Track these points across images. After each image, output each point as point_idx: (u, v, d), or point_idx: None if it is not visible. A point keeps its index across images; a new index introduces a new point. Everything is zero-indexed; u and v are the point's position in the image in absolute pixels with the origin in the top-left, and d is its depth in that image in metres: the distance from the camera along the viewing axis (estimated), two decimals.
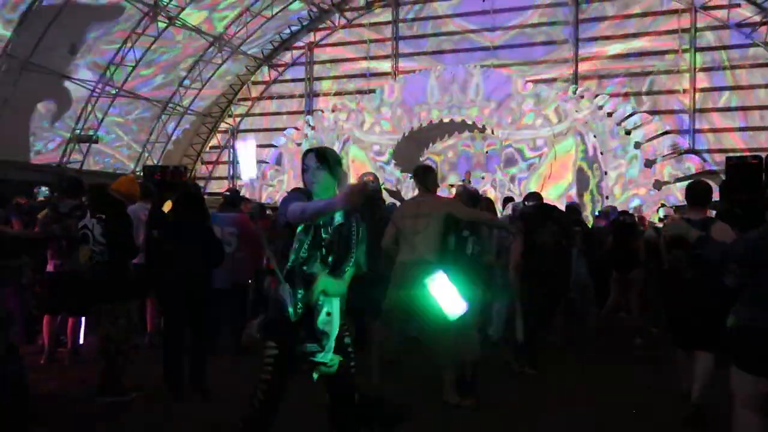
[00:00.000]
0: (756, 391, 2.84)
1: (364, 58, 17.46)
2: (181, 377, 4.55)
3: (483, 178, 14.45)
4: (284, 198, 3.13)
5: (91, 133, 15.21)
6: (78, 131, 15.06)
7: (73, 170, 14.35)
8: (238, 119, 19.09)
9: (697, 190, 4.43)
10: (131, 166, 16.96)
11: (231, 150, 19.10)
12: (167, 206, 6.39)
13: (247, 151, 9.55)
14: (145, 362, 5.08)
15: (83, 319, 5.73)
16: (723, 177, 11.65)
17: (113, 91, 15.23)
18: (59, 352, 5.65)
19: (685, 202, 4.64)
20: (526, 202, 6.11)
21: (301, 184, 3.22)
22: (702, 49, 14.40)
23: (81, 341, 5.79)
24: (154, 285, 5.30)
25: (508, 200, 8.30)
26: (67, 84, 14.38)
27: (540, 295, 5.42)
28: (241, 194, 8.28)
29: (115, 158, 16.85)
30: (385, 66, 17.31)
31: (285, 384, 2.82)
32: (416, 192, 4.97)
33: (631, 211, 9.88)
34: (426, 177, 4.74)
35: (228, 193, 6.57)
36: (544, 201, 6.36)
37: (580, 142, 13.78)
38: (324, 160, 2.89)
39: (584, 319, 7.10)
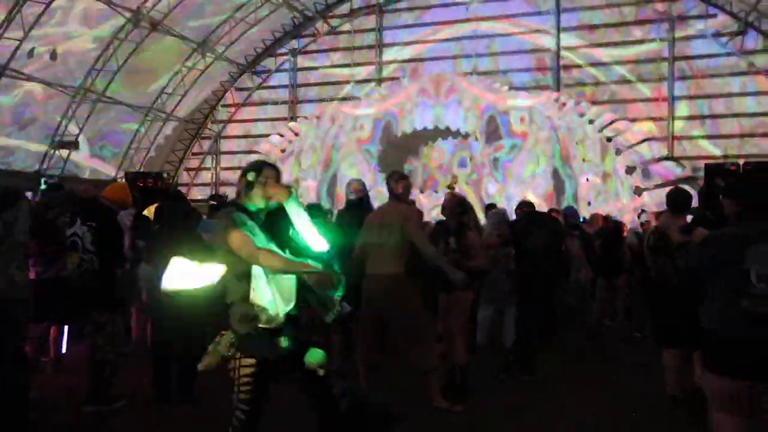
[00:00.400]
0: (727, 392, 2.91)
1: (348, 65, 17.51)
2: (170, 384, 4.51)
3: (466, 184, 14.55)
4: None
5: (71, 139, 15.03)
6: (58, 137, 14.88)
7: (54, 176, 14.16)
8: (221, 125, 19.01)
9: (678, 198, 4.59)
10: (112, 172, 16.78)
11: (214, 156, 19.00)
12: (149, 212, 6.36)
13: None
14: (132, 370, 5.03)
15: (66, 328, 5.66)
16: (701, 183, 11.89)
17: (94, 97, 15.07)
18: (41, 362, 5.57)
19: (662, 208, 4.82)
20: (518, 211, 6.34)
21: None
22: (680, 58, 14.69)
23: (63, 350, 5.71)
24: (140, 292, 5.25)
25: (490, 207, 8.31)
26: (48, 90, 14.20)
27: (534, 300, 5.47)
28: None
29: (95, 165, 16.66)
30: (370, 73, 17.38)
31: (266, 400, 2.82)
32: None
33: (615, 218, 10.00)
34: (396, 184, 4.61)
35: (213, 201, 6.52)
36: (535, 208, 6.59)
37: (557, 145, 14.00)
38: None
39: (583, 324, 7.15)
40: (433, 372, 4.45)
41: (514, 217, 6.39)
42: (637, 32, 15.14)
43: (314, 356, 2.81)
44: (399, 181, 4.63)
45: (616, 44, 15.19)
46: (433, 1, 16.79)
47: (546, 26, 15.70)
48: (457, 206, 5.11)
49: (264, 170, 2.93)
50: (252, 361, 2.73)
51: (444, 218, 5.28)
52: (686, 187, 12.70)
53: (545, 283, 5.57)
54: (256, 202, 2.88)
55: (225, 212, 2.86)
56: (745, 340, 2.82)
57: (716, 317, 2.95)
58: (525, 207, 6.41)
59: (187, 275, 3.87)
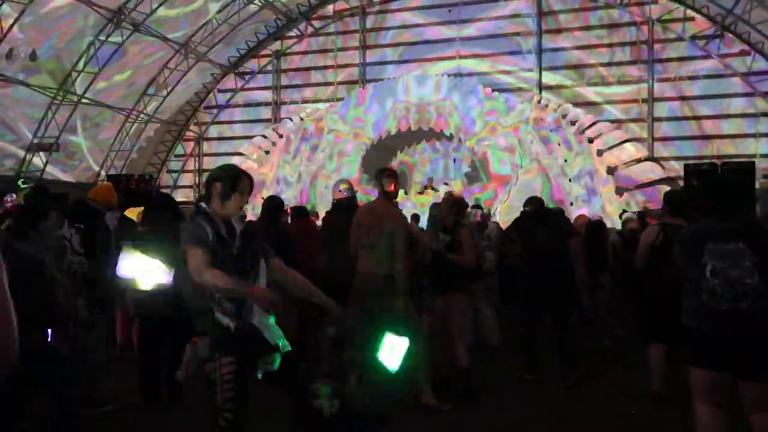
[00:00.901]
0: (704, 382, 3.00)
1: (332, 67, 17.52)
2: (158, 388, 4.49)
3: (447, 184, 14.63)
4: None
5: (51, 141, 14.84)
6: (38, 139, 14.68)
7: (34, 179, 13.97)
8: (203, 127, 18.90)
9: (675, 198, 4.78)
10: (93, 175, 16.59)
11: (196, 158, 18.87)
12: (131, 213, 6.31)
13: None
14: (119, 373, 4.99)
15: (49, 331, 5.59)
16: (681, 183, 12.10)
17: (75, 98, 14.90)
18: None
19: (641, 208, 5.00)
20: (526, 208, 5.84)
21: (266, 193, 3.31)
22: (659, 60, 14.94)
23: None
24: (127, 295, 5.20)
25: (475, 207, 8.35)
26: (27, 91, 14.01)
27: (538, 298, 5.31)
28: None
29: (76, 166, 16.46)
30: (353, 74, 17.40)
31: (248, 397, 2.84)
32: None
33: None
34: (388, 181, 4.58)
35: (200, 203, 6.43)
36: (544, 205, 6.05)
37: (544, 150, 14.13)
38: None
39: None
40: (423, 373, 4.47)
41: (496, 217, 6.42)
42: (618, 34, 15.36)
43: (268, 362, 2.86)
44: (390, 179, 4.60)
45: (596, 46, 15.39)
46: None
47: (528, 27, 15.87)
48: (453, 205, 5.14)
49: (241, 181, 2.87)
50: (232, 359, 2.75)
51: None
52: (667, 187, 13.00)
53: (552, 284, 5.26)
54: (228, 211, 2.84)
55: (192, 225, 2.83)
56: (709, 332, 2.95)
57: (687, 312, 3.08)
58: (533, 203, 5.88)
59: (137, 270, 3.92)
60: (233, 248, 2.81)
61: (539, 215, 5.59)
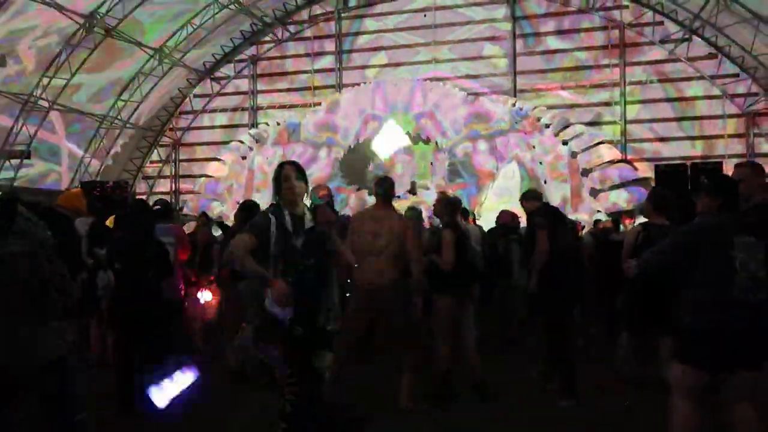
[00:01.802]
0: (692, 383, 3.06)
1: (308, 71, 17.52)
2: (133, 395, 4.45)
3: (428, 188, 14.72)
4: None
5: (22, 148, 14.59)
6: (9, 146, 14.43)
7: (6, 187, 13.72)
8: (179, 133, 18.74)
9: (658, 198, 4.82)
10: (66, 182, 16.35)
11: (173, 164, 18.70)
12: (111, 221, 6.27)
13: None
14: (93, 381, 4.93)
15: None
16: (653, 184, 12.33)
17: (46, 105, 14.68)
18: None
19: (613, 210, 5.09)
20: (523, 202, 5.52)
21: (246, 196, 3.43)
22: (631, 64, 15.23)
23: None
24: (100, 302, 5.16)
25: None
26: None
27: (565, 304, 5.04)
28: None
29: (48, 174, 16.21)
30: (329, 79, 17.42)
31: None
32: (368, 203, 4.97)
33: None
34: (389, 188, 4.64)
35: (159, 206, 6.40)
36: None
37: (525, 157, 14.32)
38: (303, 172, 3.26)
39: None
40: (412, 372, 4.50)
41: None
42: (591, 38, 15.62)
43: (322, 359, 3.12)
44: (390, 185, 4.69)
45: (570, 50, 15.64)
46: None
47: (502, 32, 16.07)
48: (446, 204, 5.18)
49: (282, 170, 3.21)
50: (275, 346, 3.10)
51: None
52: (639, 188, 13.23)
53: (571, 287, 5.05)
54: (286, 200, 3.16)
55: (260, 214, 3.23)
56: (732, 331, 2.94)
57: (702, 309, 3.04)
58: (533, 197, 5.49)
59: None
60: (295, 240, 3.07)
61: (555, 214, 5.27)
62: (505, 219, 8.51)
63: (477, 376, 4.94)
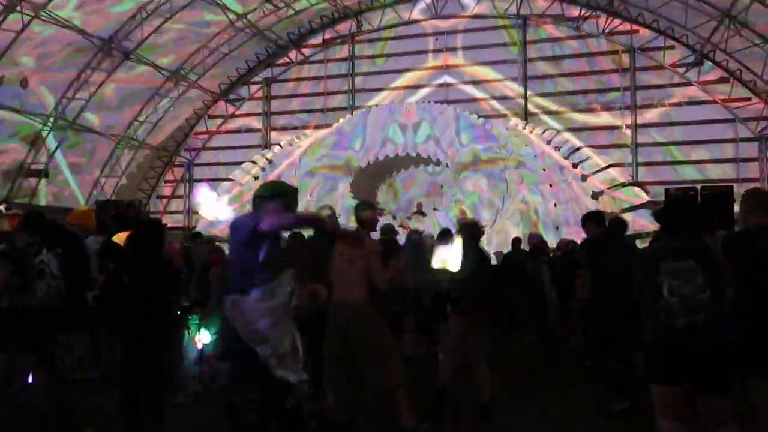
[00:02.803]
0: (664, 398, 3.10)
1: (321, 94, 17.77)
2: (138, 411, 4.50)
3: (436, 209, 14.75)
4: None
5: (41, 167, 14.91)
6: (28, 165, 14.75)
7: (22, 205, 14.00)
8: (193, 153, 19.02)
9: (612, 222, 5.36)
10: (82, 201, 16.63)
11: (186, 184, 18.95)
12: (119, 238, 6.37)
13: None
14: (101, 395, 5.00)
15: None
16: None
17: (65, 125, 15.02)
18: (10, 391, 5.48)
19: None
20: (588, 224, 5.36)
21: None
22: (641, 87, 15.29)
23: (30, 379, 5.64)
24: (110, 317, 5.24)
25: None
26: (18, 117, 14.12)
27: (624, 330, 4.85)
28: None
29: (65, 193, 16.51)
30: (343, 101, 17.65)
31: None
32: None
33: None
34: (361, 213, 4.69)
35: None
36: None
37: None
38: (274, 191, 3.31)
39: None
40: (398, 390, 4.51)
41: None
42: (601, 62, 15.72)
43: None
44: (364, 211, 4.74)
45: (580, 74, 15.74)
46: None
47: (513, 55, 16.23)
48: (470, 228, 5.26)
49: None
50: None
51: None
52: (649, 212, 13.15)
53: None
54: None
55: None
56: (668, 349, 3.05)
57: (648, 330, 3.19)
58: (597, 220, 5.33)
59: None
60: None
61: (609, 232, 5.13)
62: (535, 242, 8.84)
63: (483, 398, 4.94)
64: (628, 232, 6.13)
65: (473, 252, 4.95)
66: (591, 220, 5.39)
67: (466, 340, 4.93)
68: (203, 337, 4.53)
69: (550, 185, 14.15)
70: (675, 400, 3.07)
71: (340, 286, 4.49)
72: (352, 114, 16.98)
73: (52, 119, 14.69)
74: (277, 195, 3.60)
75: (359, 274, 4.44)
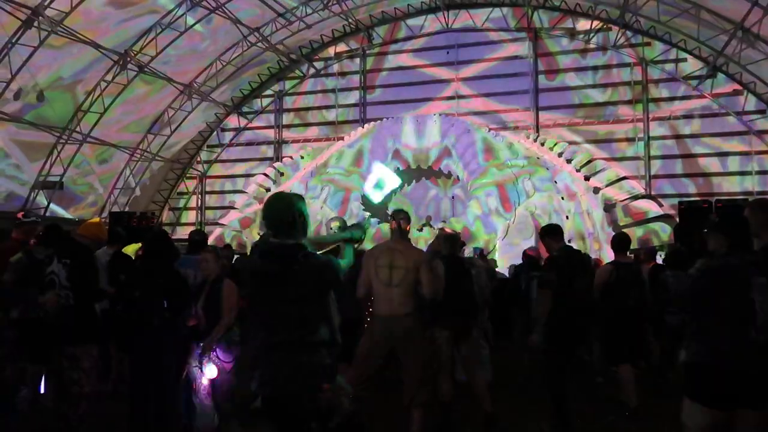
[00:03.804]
0: (704, 422, 3.01)
1: (333, 106, 17.87)
2: (147, 425, 4.49)
3: (445, 222, 14.72)
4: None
5: (56, 179, 15.07)
6: (43, 177, 14.92)
7: (36, 216, 14.13)
8: (206, 165, 19.17)
9: (622, 240, 5.62)
10: (97, 212, 16.78)
11: (199, 196, 19.09)
12: (130, 250, 6.39)
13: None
14: (109, 409, 5.01)
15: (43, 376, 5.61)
16: (678, 220, 12.16)
17: (80, 137, 15.21)
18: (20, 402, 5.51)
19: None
20: (546, 238, 5.27)
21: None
22: (654, 100, 15.21)
23: (42, 389, 5.66)
24: (119, 330, 5.26)
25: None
26: (33, 130, 14.30)
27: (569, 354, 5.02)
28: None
29: (79, 204, 16.67)
30: (354, 114, 17.73)
31: None
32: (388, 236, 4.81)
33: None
34: (406, 224, 4.66)
35: (196, 235, 6.33)
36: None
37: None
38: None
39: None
40: (422, 406, 4.47)
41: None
42: (613, 75, 15.68)
43: None
44: (408, 221, 4.71)
45: (592, 86, 15.70)
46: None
47: (525, 67, 16.23)
48: (445, 240, 5.25)
49: None
50: None
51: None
52: (662, 223, 13.05)
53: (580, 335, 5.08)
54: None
55: None
56: (743, 371, 2.91)
57: (710, 347, 3.01)
58: (553, 233, 5.19)
59: None
60: None
61: (573, 258, 5.07)
62: (531, 254, 8.59)
63: (486, 407, 4.90)
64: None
65: (453, 265, 4.95)
66: (549, 234, 5.20)
67: (451, 352, 4.91)
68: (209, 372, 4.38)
69: (562, 198, 14.08)
70: (712, 422, 2.98)
71: (387, 298, 4.39)
72: (363, 126, 17.05)
73: (66, 132, 14.87)
74: None
75: (409, 286, 4.39)
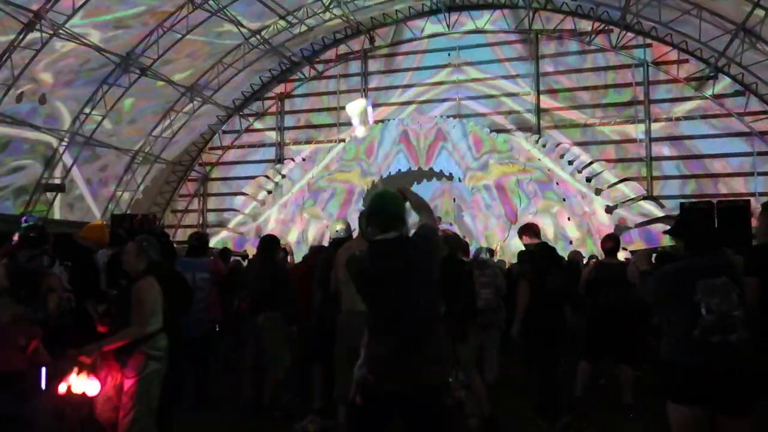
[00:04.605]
0: (681, 419, 3.02)
1: (335, 109, 17.88)
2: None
3: (451, 225, 14.69)
4: None
5: (58, 182, 15.11)
6: (45, 180, 14.96)
7: (40, 219, 14.16)
8: (208, 167, 19.20)
9: (606, 241, 5.89)
10: (98, 215, 16.81)
11: (201, 198, 19.11)
12: None
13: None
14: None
15: (43, 368, 5.61)
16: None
17: (82, 140, 15.24)
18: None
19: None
20: (523, 237, 5.47)
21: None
22: (656, 101, 15.20)
23: (43, 387, 5.65)
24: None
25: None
26: (35, 133, 14.34)
27: (550, 346, 5.13)
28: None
29: (81, 206, 16.69)
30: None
31: None
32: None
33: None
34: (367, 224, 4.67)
35: (195, 239, 6.28)
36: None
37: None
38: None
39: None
40: None
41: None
42: (615, 76, 15.67)
43: None
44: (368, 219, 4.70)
45: (594, 88, 15.70)
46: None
47: (526, 69, 16.24)
48: (451, 241, 5.24)
49: None
50: None
51: None
52: (663, 225, 13.01)
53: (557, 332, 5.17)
54: None
55: None
56: (698, 368, 2.95)
57: (673, 348, 3.08)
58: (530, 231, 5.41)
59: None
60: None
61: (550, 254, 5.26)
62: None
63: (484, 410, 4.89)
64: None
65: (451, 266, 4.86)
66: (525, 232, 5.43)
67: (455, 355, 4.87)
68: None
69: (564, 199, 14.07)
70: (695, 422, 2.99)
71: (351, 294, 4.30)
72: (364, 128, 17.01)
73: (69, 135, 14.90)
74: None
75: None
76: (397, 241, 2.76)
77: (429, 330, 2.71)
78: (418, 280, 2.69)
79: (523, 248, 5.57)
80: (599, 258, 10.13)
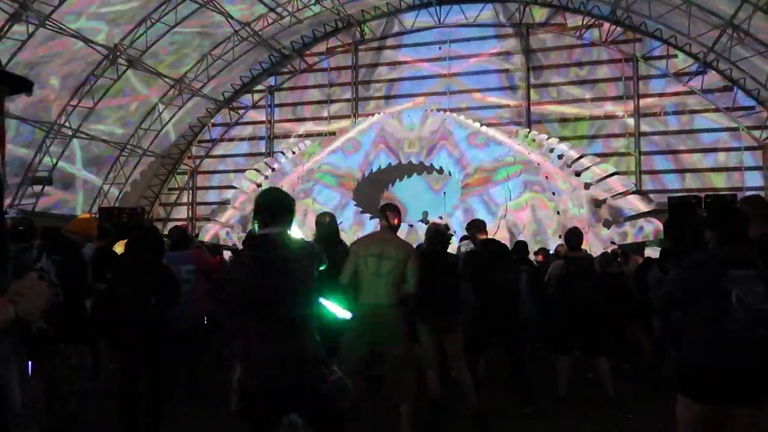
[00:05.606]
0: (696, 416, 3.02)
1: (325, 101, 17.82)
2: (137, 424, 4.47)
3: (441, 218, 14.70)
4: None
5: (45, 174, 14.96)
6: (32, 173, 14.81)
7: (26, 212, 14.03)
8: (197, 161, 19.08)
9: (571, 236, 5.94)
10: (86, 208, 16.68)
11: (190, 191, 19.00)
12: (119, 246, 6.33)
13: None
14: (101, 407, 4.98)
15: (30, 363, 5.57)
16: (666, 216, 12.23)
17: (70, 132, 15.09)
18: None
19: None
20: (469, 232, 5.78)
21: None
22: (645, 96, 15.28)
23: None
24: (107, 327, 5.21)
25: (465, 238, 8.36)
26: (23, 125, 14.19)
27: (480, 332, 5.43)
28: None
29: (70, 200, 16.56)
30: (345, 109, 17.69)
31: None
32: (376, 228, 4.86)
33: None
34: (393, 216, 4.65)
35: (176, 233, 6.20)
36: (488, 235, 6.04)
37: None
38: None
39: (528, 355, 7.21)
40: (408, 402, 4.45)
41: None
42: (604, 71, 15.73)
43: None
44: (394, 212, 4.71)
45: (583, 82, 15.75)
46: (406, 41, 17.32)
47: (516, 64, 16.26)
48: (434, 234, 5.25)
49: None
50: None
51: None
52: (653, 219, 13.11)
53: (495, 321, 5.45)
54: None
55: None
56: (730, 370, 2.90)
57: (698, 347, 3.02)
58: (476, 228, 5.76)
59: None
60: None
61: (493, 250, 5.51)
62: (520, 248, 8.56)
63: (471, 406, 4.91)
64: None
65: (435, 260, 4.93)
66: (473, 228, 5.79)
67: (435, 346, 4.93)
68: None
69: (553, 193, 14.10)
70: (710, 420, 2.97)
71: (373, 287, 4.38)
72: (355, 122, 17.01)
73: (56, 127, 14.75)
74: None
75: (396, 278, 4.39)
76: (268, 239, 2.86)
77: (291, 330, 2.78)
78: (284, 282, 2.77)
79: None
80: (547, 251, 10.28)
